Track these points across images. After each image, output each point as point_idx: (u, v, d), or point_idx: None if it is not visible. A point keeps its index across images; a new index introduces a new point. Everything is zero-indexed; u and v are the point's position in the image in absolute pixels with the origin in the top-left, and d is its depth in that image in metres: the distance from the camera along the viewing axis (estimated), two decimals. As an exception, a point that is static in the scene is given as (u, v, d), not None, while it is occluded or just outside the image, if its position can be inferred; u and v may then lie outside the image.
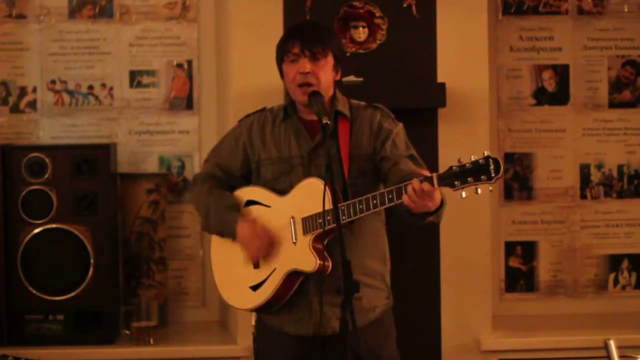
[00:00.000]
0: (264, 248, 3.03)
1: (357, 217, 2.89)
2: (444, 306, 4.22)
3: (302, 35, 3.02)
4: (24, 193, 4.13)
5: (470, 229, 4.20)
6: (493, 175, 2.67)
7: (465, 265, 4.20)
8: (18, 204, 4.12)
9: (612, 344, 2.45)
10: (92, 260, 4.13)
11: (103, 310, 4.16)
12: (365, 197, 2.87)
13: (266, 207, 3.08)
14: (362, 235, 3.04)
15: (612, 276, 4.79)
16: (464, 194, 2.72)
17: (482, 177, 2.68)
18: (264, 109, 3.21)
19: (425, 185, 2.74)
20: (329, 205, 2.84)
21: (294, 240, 2.99)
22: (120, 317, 4.32)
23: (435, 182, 2.74)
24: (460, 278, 4.20)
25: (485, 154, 2.69)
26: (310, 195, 2.94)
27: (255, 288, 3.06)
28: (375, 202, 2.85)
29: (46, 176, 4.14)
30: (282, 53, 3.05)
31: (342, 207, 2.89)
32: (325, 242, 2.96)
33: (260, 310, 3.09)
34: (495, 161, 2.67)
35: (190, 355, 4.18)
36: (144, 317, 4.21)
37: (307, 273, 2.97)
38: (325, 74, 3.01)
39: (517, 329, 4.44)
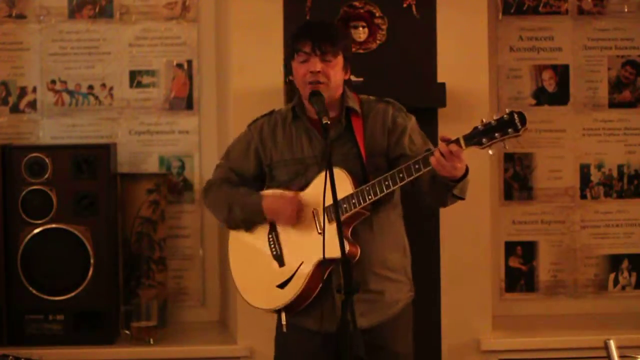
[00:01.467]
0: (295, 207, 3.01)
1: (383, 194, 2.90)
2: (444, 306, 4.23)
3: (313, 34, 3.01)
4: (24, 193, 4.13)
5: (470, 229, 4.20)
6: (520, 127, 2.72)
7: (465, 265, 4.20)
8: (18, 204, 4.12)
9: (612, 344, 2.45)
10: (92, 260, 4.13)
11: (103, 310, 4.16)
12: (390, 172, 2.88)
13: None
14: (381, 229, 3.04)
15: (612, 276, 4.79)
16: (490, 152, 2.77)
17: (509, 130, 2.73)
18: (272, 112, 3.21)
19: (453, 147, 2.77)
20: (345, 193, 2.89)
21: (320, 231, 2.99)
22: (120, 317, 4.32)
23: (462, 143, 2.77)
24: (460, 278, 4.20)
25: (508, 111, 2.74)
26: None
27: (282, 286, 3.04)
28: (401, 175, 2.87)
29: (46, 176, 4.14)
30: (293, 51, 3.05)
31: (368, 188, 2.90)
32: (351, 228, 2.96)
33: (288, 308, 3.05)
34: (520, 114, 2.74)
35: (190, 355, 4.18)
36: (144, 317, 4.21)
37: (337, 260, 2.91)
38: (336, 74, 3.02)
39: (517, 329, 4.44)
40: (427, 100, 4.11)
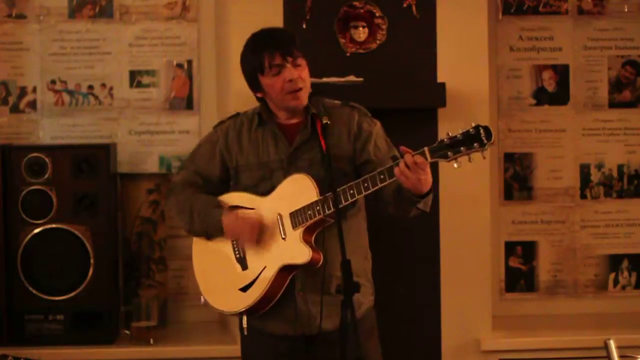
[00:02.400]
0: (255, 230, 3.01)
1: (348, 202, 2.89)
2: (444, 306, 4.22)
3: (277, 44, 3.02)
4: (24, 193, 4.13)
5: (470, 229, 4.20)
6: (485, 141, 2.70)
7: (465, 265, 4.20)
8: (18, 204, 4.12)
9: (612, 344, 2.45)
10: (92, 260, 4.12)
11: (103, 310, 4.16)
12: (355, 182, 2.87)
13: (250, 209, 3.08)
14: (345, 233, 3.03)
15: (612, 276, 4.79)
16: (455, 165, 2.75)
17: (475, 144, 2.72)
18: (238, 114, 3.22)
19: (418, 158, 2.76)
20: (309, 200, 2.90)
21: (283, 236, 3.00)
22: (120, 317, 4.32)
23: (427, 155, 2.76)
24: (460, 278, 4.20)
25: (474, 124, 2.72)
26: (297, 190, 2.95)
27: (245, 289, 3.06)
28: (366, 185, 2.87)
29: (46, 176, 4.14)
30: (260, 68, 3.04)
31: (332, 196, 2.87)
32: (315, 234, 2.97)
33: (250, 311, 3.07)
34: (486, 129, 2.72)
35: (190, 355, 4.18)
36: (144, 317, 4.21)
37: (300, 266, 2.97)
38: (307, 75, 3.05)
39: (517, 329, 4.44)
40: (427, 100, 4.12)
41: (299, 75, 3.00)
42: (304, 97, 3.03)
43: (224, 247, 3.11)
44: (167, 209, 3.35)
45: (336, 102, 3.16)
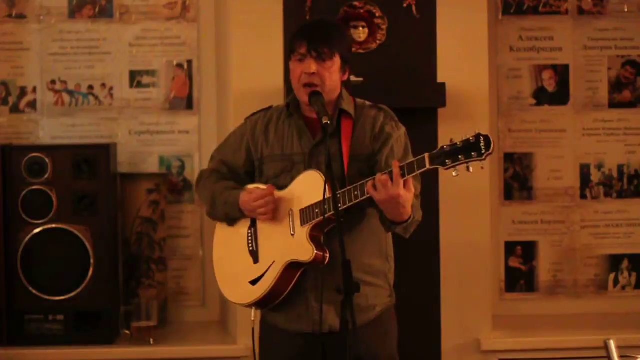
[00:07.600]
0: (264, 204, 3.01)
1: (351, 204, 2.87)
2: (444, 306, 4.23)
3: (310, 35, 3.01)
4: (24, 193, 4.13)
5: (470, 229, 4.20)
6: (483, 151, 2.69)
7: (465, 265, 4.20)
8: (18, 204, 4.12)
9: (612, 344, 2.44)
10: (92, 260, 4.13)
11: (103, 310, 4.16)
12: (359, 182, 2.87)
13: None
14: (361, 233, 3.04)
15: (612, 276, 4.79)
16: (454, 173, 2.74)
17: (473, 154, 2.71)
18: (270, 107, 3.23)
19: (382, 178, 2.76)
20: (319, 198, 2.87)
21: (292, 232, 3.00)
22: (120, 317, 4.32)
23: (427, 161, 2.75)
24: (460, 278, 4.20)
25: (476, 132, 2.72)
26: (309, 187, 2.96)
27: (254, 282, 3.07)
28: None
29: (46, 176, 4.14)
30: (290, 51, 3.06)
31: (339, 195, 2.86)
32: (323, 232, 2.97)
33: (259, 305, 3.09)
34: (486, 138, 2.70)
35: (190, 355, 4.18)
36: (144, 317, 4.21)
37: (304, 263, 2.97)
38: (331, 75, 3.00)
39: (517, 329, 4.44)
40: (427, 100, 4.12)
41: (318, 72, 2.98)
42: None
43: (240, 239, 3.13)
44: (198, 197, 3.38)
45: (367, 103, 3.16)
